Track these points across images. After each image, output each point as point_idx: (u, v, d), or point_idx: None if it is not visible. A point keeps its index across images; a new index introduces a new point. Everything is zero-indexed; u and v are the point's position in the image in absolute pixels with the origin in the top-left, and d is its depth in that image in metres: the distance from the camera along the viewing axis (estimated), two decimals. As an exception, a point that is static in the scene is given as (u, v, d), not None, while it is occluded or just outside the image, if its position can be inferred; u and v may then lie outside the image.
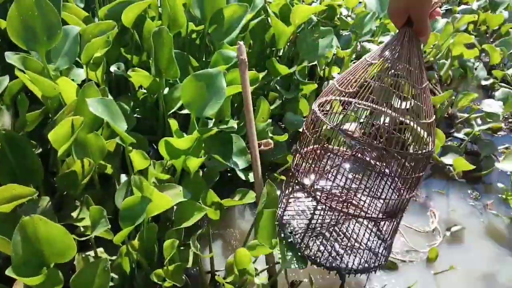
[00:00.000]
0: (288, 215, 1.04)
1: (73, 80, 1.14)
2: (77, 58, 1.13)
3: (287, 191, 1.04)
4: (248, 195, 1.06)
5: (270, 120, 1.31)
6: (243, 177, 1.21)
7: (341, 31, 1.95)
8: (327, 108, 0.98)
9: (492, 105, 1.66)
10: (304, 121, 1.49)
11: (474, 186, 1.50)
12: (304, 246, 0.95)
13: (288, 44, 1.63)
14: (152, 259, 0.93)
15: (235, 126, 1.16)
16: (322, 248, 0.96)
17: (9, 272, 0.68)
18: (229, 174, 1.32)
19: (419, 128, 0.90)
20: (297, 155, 0.98)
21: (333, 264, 0.95)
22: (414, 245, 1.24)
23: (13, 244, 0.69)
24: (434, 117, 0.90)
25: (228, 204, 1.04)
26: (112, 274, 0.87)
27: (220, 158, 1.11)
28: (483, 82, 2.02)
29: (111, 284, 0.88)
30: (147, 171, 1.03)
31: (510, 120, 1.82)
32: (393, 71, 0.85)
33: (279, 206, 1.01)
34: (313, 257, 0.94)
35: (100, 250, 0.98)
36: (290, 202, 1.08)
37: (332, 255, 0.97)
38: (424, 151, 0.87)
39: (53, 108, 1.05)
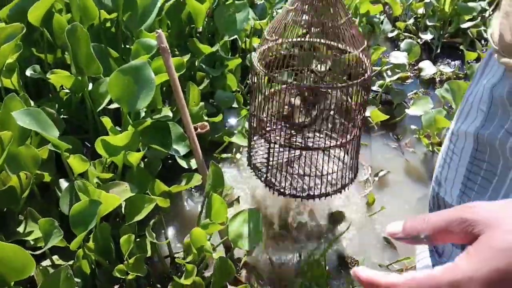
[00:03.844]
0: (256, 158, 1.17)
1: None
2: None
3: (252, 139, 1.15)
4: (194, 178, 1.10)
5: (202, 104, 1.33)
6: (184, 165, 1.23)
7: (256, 0, 1.99)
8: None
9: (398, 57, 1.82)
10: (234, 96, 1.54)
11: (393, 132, 1.68)
12: (269, 180, 1.09)
13: (206, 20, 1.64)
14: (110, 256, 0.95)
15: (170, 114, 1.17)
16: (286, 180, 1.08)
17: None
18: (169, 161, 1.34)
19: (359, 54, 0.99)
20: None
21: (297, 194, 1.07)
22: (352, 194, 1.38)
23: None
24: (365, 44, 0.99)
25: (176, 190, 1.07)
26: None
27: (159, 147, 1.13)
28: (390, 35, 2.19)
29: (73, 288, 0.89)
30: (87, 172, 1.03)
31: (415, 67, 2.02)
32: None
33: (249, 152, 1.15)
34: (278, 188, 1.08)
35: (55, 257, 0.98)
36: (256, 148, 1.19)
37: (298, 185, 1.09)
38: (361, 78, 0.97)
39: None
